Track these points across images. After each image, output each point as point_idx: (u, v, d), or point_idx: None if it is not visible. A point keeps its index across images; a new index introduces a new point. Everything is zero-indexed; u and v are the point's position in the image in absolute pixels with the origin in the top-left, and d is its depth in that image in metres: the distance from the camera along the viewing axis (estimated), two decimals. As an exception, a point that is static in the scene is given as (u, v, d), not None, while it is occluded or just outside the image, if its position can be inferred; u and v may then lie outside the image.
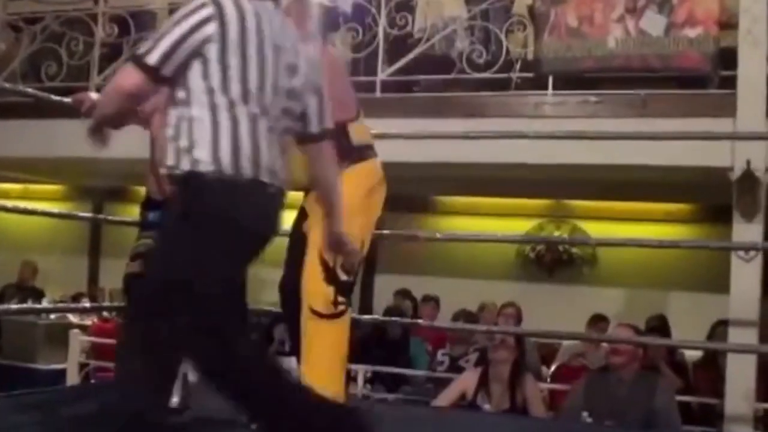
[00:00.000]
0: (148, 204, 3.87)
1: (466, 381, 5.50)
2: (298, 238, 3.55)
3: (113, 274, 10.52)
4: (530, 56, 6.32)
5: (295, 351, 3.54)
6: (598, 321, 7.40)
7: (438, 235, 7.86)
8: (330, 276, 3.26)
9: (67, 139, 6.46)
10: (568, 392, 5.55)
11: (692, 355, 7.03)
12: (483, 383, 5.38)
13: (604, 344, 5.90)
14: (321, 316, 3.26)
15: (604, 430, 4.40)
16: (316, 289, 3.26)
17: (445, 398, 5.43)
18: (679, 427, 5.00)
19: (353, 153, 3.41)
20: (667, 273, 8.96)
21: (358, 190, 3.35)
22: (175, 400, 3.49)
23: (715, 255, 7.01)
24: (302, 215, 3.57)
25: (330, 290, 3.26)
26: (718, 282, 5.84)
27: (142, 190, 3.98)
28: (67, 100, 3.60)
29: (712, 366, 6.38)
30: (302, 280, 3.31)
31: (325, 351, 3.29)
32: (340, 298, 3.27)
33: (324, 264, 3.26)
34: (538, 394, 5.44)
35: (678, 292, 8.96)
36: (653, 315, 7.72)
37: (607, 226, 9.04)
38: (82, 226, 11.49)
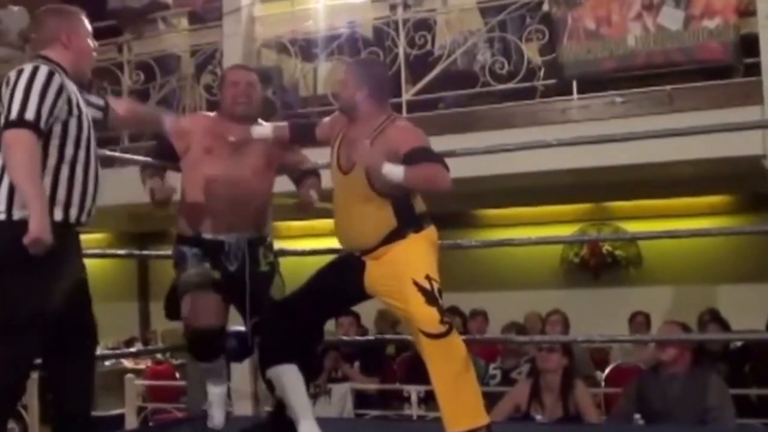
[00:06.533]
0: (180, 240, 4.03)
1: (519, 393, 5.47)
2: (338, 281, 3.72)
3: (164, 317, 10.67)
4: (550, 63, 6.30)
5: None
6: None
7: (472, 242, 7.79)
8: (429, 298, 3.41)
9: (106, 187, 6.57)
10: (620, 395, 5.50)
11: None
12: (535, 393, 5.36)
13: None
14: (433, 336, 3.40)
15: (657, 431, 4.35)
16: (422, 313, 3.40)
17: (499, 412, 5.38)
18: (734, 422, 4.93)
19: (417, 221, 3.63)
20: (714, 267, 8.86)
21: (429, 251, 3.58)
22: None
23: (761, 245, 6.93)
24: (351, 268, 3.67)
25: (433, 310, 3.40)
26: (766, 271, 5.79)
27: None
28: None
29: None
30: (408, 308, 3.45)
31: (449, 367, 3.43)
32: (445, 317, 3.43)
33: (421, 288, 3.42)
34: (590, 400, 5.40)
35: (726, 285, 8.82)
36: (705, 309, 7.63)
37: (649, 224, 8.90)
38: (130, 271, 11.64)
